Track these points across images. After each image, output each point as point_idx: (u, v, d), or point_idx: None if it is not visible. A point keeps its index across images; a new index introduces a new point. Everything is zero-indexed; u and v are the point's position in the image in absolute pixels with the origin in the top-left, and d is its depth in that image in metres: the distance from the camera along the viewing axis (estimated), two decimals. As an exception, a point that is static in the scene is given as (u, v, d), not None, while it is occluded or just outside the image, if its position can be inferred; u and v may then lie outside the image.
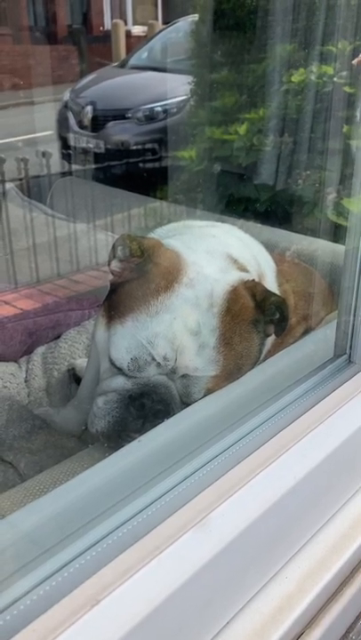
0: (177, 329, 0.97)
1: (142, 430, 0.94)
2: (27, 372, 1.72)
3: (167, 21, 6.87)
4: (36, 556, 0.62)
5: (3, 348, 1.73)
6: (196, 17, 4.02)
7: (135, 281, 1.06)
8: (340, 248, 1.83)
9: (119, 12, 9.74)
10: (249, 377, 0.98)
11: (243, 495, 0.71)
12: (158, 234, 1.32)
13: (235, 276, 1.07)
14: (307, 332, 1.34)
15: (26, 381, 1.69)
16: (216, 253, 1.12)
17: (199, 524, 0.66)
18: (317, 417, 0.86)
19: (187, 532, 0.65)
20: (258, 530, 0.72)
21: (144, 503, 0.67)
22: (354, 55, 3.00)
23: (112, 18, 9.33)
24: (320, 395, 0.91)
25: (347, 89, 2.94)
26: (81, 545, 0.63)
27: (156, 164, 4.79)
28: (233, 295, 1.03)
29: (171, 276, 1.03)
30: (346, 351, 1.02)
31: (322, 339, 1.09)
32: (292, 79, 3.18)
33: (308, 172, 3.07)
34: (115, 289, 1.11)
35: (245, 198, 3.30)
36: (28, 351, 1.80)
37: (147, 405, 1.00)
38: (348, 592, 0.86)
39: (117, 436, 1.03)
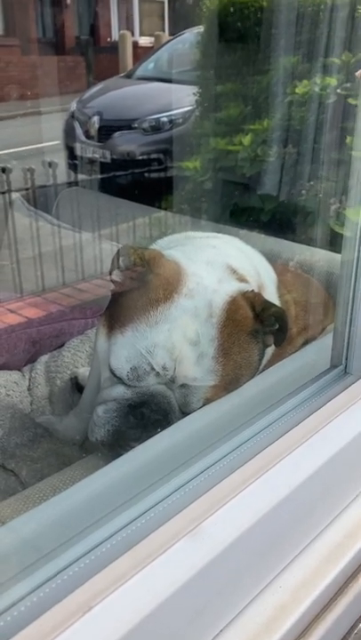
0: (176, 339, 0.98)
1: (141, 439, 0.96)
2: (30, 380, 1.73)
3: (173, 33, 6.92)
4: (31, 563, 0.64)
5: (7, 357, 1.75)
6: (201, 28, 4.06)
7: (135, 291, 1.08)
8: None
9: (126, 23, 9.83)
10: (245, 387, 0.99)
11: (236, 504, 0.72)
12: (159, 245, 1.34)
13: (234, 287, 1.08)
14: (308, 342, 1.35)
15: (29, 390, 1.70)
16: (216, 264, 1.13)
17: (191, 533, 0.67)
18: (312, 427, 0.87)
19: (179, 541, 0.66)
20: (251, 539, 0.73)
21: (138, 512, 0.68)
22: (357, 67, 3.02)
23: (119, 29, 9.42)
24: (315, 405, 0.92)
25: (350, 100, 2.96)
26: (75, 553, 0.64)
27: (162, 175, 4.82)
28: (232, 306, 1.04)
29: (170, 287, 1.04)
30: (342, 362, 1.03)
31: (319, 349, 1.10)
32: (296, 90, 3.21)
33: (312, 183, 3.09)
34: (115, 299, 1.13)
35: (249, 208, 3.31)
36: (32, 360, 1.81)
37: (146, 414, 1.01)
38: (343, 602, 0.86)
39: (117, 444, 1.04)
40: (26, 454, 1.46)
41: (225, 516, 0.71)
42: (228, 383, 1.01)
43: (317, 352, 1.10)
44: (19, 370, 1.77)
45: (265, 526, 0.75)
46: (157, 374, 0.99)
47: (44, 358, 1.81)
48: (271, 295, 1.25)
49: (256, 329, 1.06)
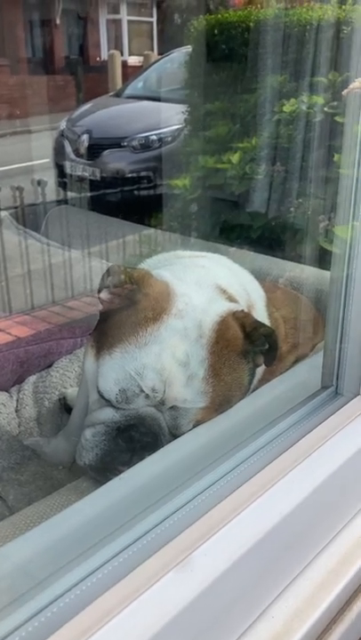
0: (165, 360, 0.97)
1: (130, 463, 0.94)
2: (17, 401, 1.71)
3: (162, 52, 6.99)
4: (10, 602, 0.61)
5: (-5, 378, 1.72)
6: (189, 48, 4.10)
7: (124, 311, 1.06)
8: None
9: (115, 42, 9.94)
10: (236, 410, 0.98)
11: (226, 533, 0.70)
12: (148, 264, 1.33)
13: (224, 307, 1.07)
14: (298, 360, 1.34)
15: (17, 411, 1.68)
16: (205, 284, 1.12)
17: (181, 564, 0.65)
18: (303, 451, 0.86)
19: (168, 573, 0.64)
20: (242, 568, 0.71)
21: (125, 542, 0.66)
22: (344, 86, 3.05)
23: (108, 48, 9.51)
24: (306, 428, 0.91)
25: (337, 119, 2.99)
26: (58, 588, 0.62)
27: (151, 192, 4.84)
28: (222, 326, 1.03)
29: (160, 307, 1.03)
30: (333, 383, 1.01)
31: (309, 369, 1.08)
32: (284, 109, 3.24)
33: (300, 200, 3.11)
34: (104, 319, 1.11)
35: (239, 226, 3.33)
36: (20, 380, 1.79)
37: (135, 438, 0.99)
38: (337, 630, 0.84)
39: (105, 468, 1.02)
40: (13, 478, 1.43)
41: (216, 545, 0.69)
42: (219, 404, 1.00)
43: (308, 372, 1.08)
44: (6, 391, 1.75)
45: (256, 555, 0.74)
46: (147, 396, 0.97)
47: (32, 378, 1.79)
48: (261, 314, 1.24)
49: (246, 349, 1.05)
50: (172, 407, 0.98)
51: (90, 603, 0.62)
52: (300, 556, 0.85)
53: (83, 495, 0.78)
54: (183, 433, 0.98)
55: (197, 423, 0.98)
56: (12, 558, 0.70)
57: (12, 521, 1.01)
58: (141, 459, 0.89)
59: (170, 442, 0.97)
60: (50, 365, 1.85)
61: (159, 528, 0.69)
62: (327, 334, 1.04)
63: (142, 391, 0.97)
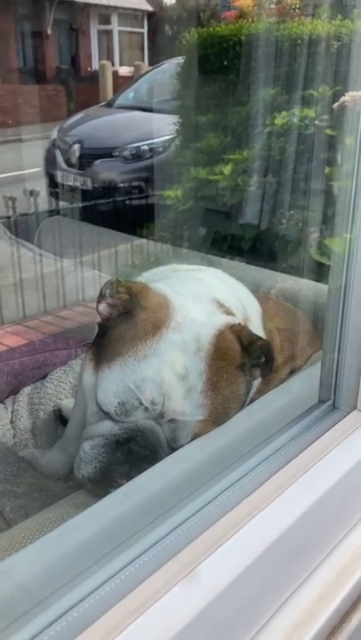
0: (165, 373, 0.98)
1: (129, 476, 0.94)
2: (12, 412, 1.71)
3: (153, 63, 7.04)
4: (21, 615, 0.62)
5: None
6: (181, 59, 4.13)
7: (123, 325, 1.07)
8: (322, 287, 1.86)
9: (107, 53, 9.99)
10: (234, 424, 0.99)
11: (230, 547, 0.71)
12: (145, 277, 1.34)
13: (221, 320, 1.08)
14: (293, 372, 1.35)
15: (11, 422, 1.68)
16: (203, 297, 1.14)
17: (187, 578, 0.66)
18: (302, 466, 0.87)
19: (174, 587, 0.65)
20: (245, 582, 0.72)
21: (129, 557, 0.67)
22: (335, 99, 3.10)
23: (100, 59, 9.56)
24: (304, 442, 0.92)
25: (328, 132, 3.03)
26: (64, 604, 0.63)
27: (143, 203, 4.86)
28: (220, 339, 1.04)
29: (158, 320, 1.04)
30: (330, 397, 1.03)
31: (306, 383, 1.10)
32: (276, 122, 3.28)
33: (292, 212, 3.14)
34: (103, 332, 1.12)
35: (230, 237, 3.35)
36: (14, 392, 1.79)
37: (134, 450, 1.00)
38: (337, 642, 0.85)
39: (104, 481, 1.02)
40: (9, 489, 1.43)
41: (220, 559, 0.70)
42: (217, 417, 1.01)
43: (305, 386, 1.10)
44: (1, 402, 1.75)
45: (259, 568, 0.75)
46: (146, 409, 0.98)
47: (26, 390, 1.79)
48: (256, 327, 1.26)
49: (243, 362, 1.06)
50: (171, 420, 0.99)
51: (95, 620, 0.62)
52: (300, 569, 0.86)
53: (81, 508, 0.78)
54: (182, 446, 0.99)
55: (196, 436, 0.99)
56: (13, 575, 0.70)
57: (11, 534, 1.01)
58: (140, 471, 0.90)
59: (168, 455, 0.97)
60: (44, 377, 1.85)
61: (163, 542, 0.70)
62: (324, 348, 1.06)
63: (141, 404, 0.98)
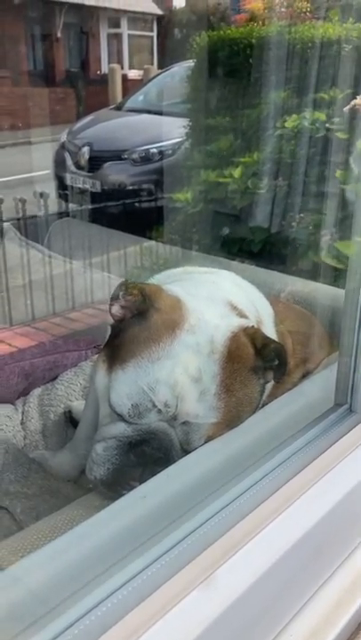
0: (178, 375, 0.97)
1: (142, 478, 0.93)
2: (23, 414, 1.70)
3: (162, 66, 7.05)
4: (37, 619, 0.61)
5: (0, 390, 1.72)
6: (191, 63, 4.14)
7: (137, 326, 1.06)
8: (333, 290, 1.85)
9: (116, 56, 10.03)
10: (251, 428, 0.98)
11: (248, 551, 0.70)
12: (158, 279, 1.33)
13: (235, 323, 1.07)
14: (306, 375, 1.34)
15: (22, 424, 1.67)
16: (216, 300, 1.13)
17: (205, 582, 0.65)
18: (320, 469, 0.86)
19: (193, 591, 0.64)
20: (262, 587, 0.71)
21: (147, 561, 0.66)
22: (345, 103, 3.09)
23: (109, 62, 9.59)
24: (321, 446, 0.91)
25: (339, 135, 3.02)
26: (79, 610, 0.62)
27: (152, 205, 4.86)
28: (233, 342, 1.03)
29: (172, 322, 1.03)
30: (347, 400, 1.02)
31: (322, 386, 1.09)
32: (286, 124, 3.27)
33: (302, 215, 3.12)
34: (116, 334, 1.11)
35: (240, 240, 3.34)
36: (25, 393, 1.78)
37: (147, 452, 0.99)
38: (353, 649, 0.84)
39: (116, 483, 1.02)
40: (20, 491, 1.42)
41: (238, 563, 0.69)
42: (230, 420, 1.00)
43: (321, 389, 1.09)
44: (11, 403, 1.74)
45: (276, 573, 0.74)
46: (159, 411, 0.97)
47: (37, 391, 1.78)
48: (269, 330, 1.25)
49: (257, 365, 1.06)
50: (184, 422, 0.98)
51: (112, 625, 0.61)
52: (316, 574, 0.85)
53: (93, 511, 0.78)
54: (195, 448, 0.98)
55: (209, 439, 0.98)
56: (25, 580, 0.69)
57: (23, 536, 1.00)
58: (153, 474, 0.89)
59: (181, 457, 0.96)
60: (55, 378, 1.85)
61: (181, 545, 0.69)
62: (341, 351, 1.05)
63: (155, 406, 0.97)
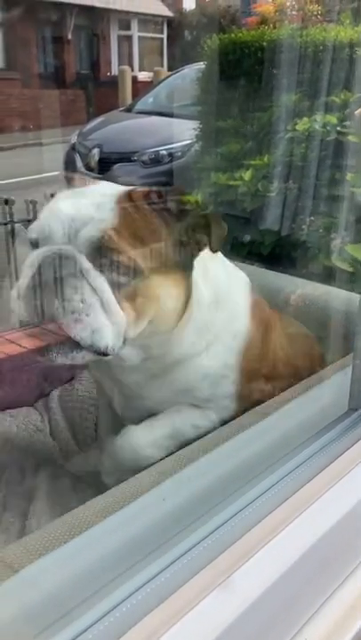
0: (80, 202, 1.01)
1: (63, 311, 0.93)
2: (49, 420, 1.68)
3: (172, 68, 7.06)
4: (53, 622, 0.61)
5: (20, 392, 1.72)
6: (202, 65, 4.15)
7: None
8: (344, 293, 1.85)
9: (126, 58, 10.05)
10: (264, 431, 0.98)
11: (265, 554, 0.71)
12: None
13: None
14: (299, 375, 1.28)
15: (51, 434, 1.65)
16: None
17: (223, 585, 0.66)
18: (335, 474, 0.86)
19: (211, 593, 0.65)
20: (278, 590, 0.72)
21: (165, 563, 0.67)
22: (357, 106, 3.09)
23: (119, 64, 9.62)
24: (336, 451, 0.91)
25: (350, 138, 3.02)
26: (100, 609, 0.62)
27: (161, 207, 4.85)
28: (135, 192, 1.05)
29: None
30: (361, 405, 1.02)
31: (336, 390, 1.09)
32: (297, 127, 3.27)
33: (313, 218, 3.13)
34: None
35: (249, 242, 3.34)
36: (43, 394, 1.78)
37: (56, 274, 0.97)
38: (367, 653, 0.84)
39: (38, 318, 0.98)
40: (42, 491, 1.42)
41: (255, 566, 0.69)
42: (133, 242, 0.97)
43: (334, 393, 1.09)
44: (31, 405, 1.73)
45: (291, 577, 0.74)
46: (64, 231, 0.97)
47: (56, 393, 1.78)
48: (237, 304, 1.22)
49: (164, 208, 1.06)
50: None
51: (130, 628, 0.61)
52: (331, 578, 0.85)
53: (110, 509, 0.78)
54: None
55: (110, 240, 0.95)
56: (40, 583, 0.69)
57: (39, 536, 1.01)
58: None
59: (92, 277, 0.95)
60: (72, 378, 1.84)
61: (199, 547, 0.69)
62: (355, 354, 1.05)
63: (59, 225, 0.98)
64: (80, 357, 0.98)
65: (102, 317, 0.96)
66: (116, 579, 0.66)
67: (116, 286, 0.97)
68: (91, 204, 1.00)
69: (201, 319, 1.13)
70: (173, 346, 1.11)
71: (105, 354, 0.99)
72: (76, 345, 0.97)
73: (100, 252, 0.96)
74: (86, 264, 0.96)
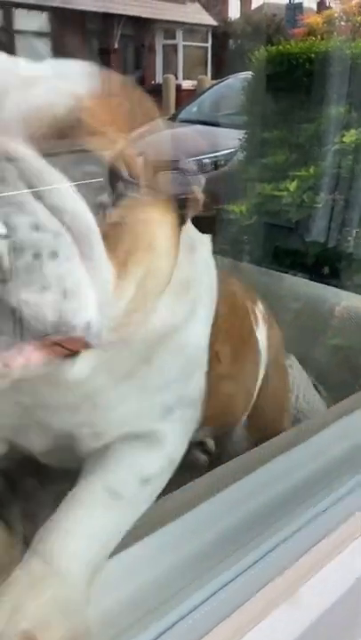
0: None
1: None
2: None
3: (216, 77, 7.10)
4: (125, 629, 0.62)
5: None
6: (247, 74, 4.16)
7: None
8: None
9: (171, 67, 10.16)
10: (343, 435, 0.96)
11: (331, 569, 0.72)
12: None
13: None
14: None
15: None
16: None
17: (290, 599, 0.67)
18: None
19: (279, 607, 0.66)
20: (342, 606, 0.72)
21: (239, 570, 0.68)
22: None
23: (164, 73, 9.72)
24: None
25: None
26: (169, 620, 0.63)
27: (203, 214, 4.88)
28: None
29: None
30: None
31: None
32: (344, 139, 3.26)
33: (358, 230, 3.11)
34: None
35: (293, 253, 3.34)
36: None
37: None
38: None
39: None
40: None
41: (321, 581, 0.70)
42: None
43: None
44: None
45: (355, 592, 0.74)
46: None
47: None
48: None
49: None
50: None
51: (199, 638, 0.62)
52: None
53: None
54: None
55: None
56: (119, 587, 0.70)
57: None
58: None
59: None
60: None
61: (265, 560, 0.70)
62: None
63: None
64: (34, 355, 0.52)
65: (78, 267, 0.51)
66: (177, 594, 0.67)
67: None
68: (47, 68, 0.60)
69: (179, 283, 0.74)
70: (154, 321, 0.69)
71: (85, 344, 0.53)
72: (24, 327, 0.49)
73: (63, 138, 0.53)
74: (38, 163, 0.51)
